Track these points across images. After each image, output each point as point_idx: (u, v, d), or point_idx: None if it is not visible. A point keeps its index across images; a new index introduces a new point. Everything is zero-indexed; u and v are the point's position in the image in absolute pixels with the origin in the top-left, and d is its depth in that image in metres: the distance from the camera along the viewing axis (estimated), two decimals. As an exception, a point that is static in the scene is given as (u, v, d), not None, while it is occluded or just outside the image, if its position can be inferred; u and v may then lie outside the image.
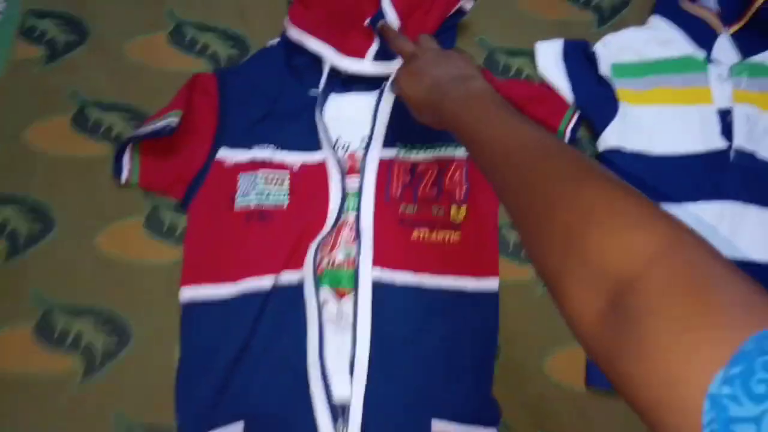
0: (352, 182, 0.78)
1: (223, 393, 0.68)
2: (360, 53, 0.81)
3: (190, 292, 0.72)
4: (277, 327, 0.71)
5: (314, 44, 0.81)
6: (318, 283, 0.73)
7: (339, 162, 0.78)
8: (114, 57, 0.83)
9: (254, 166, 0.77)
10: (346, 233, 0.76)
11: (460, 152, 0.80)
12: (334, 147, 0.79)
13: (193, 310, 0.72)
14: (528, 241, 0.44)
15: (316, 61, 0.82)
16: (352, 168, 0.79)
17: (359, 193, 0.77)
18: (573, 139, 0.82)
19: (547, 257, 0.41)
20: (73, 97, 0.81)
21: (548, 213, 0.42)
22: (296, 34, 0.82)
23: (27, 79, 0.81)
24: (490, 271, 0.76)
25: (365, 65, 0.81)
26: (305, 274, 0.72)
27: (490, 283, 0.75)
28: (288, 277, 0.73)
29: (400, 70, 0.68)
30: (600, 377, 0.74)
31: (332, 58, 0.81)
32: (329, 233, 0.75)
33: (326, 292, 0.74)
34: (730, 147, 0.82)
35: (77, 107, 0.80)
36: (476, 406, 0.71)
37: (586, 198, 0.40)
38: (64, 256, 0.74)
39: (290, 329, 0.71)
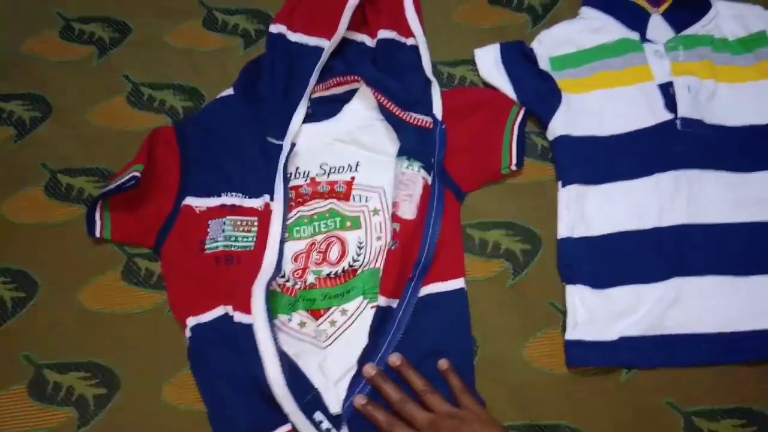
0: (318, 206, 0.82)
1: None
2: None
3: (194, 321, 0.75)
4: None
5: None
6: (272, 317, 0.72)
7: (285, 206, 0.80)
8: (78, 126, 0.88)
9: (223, 212, 0.80)
10: (314, 255, 0.79)
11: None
12: (289, 179, 0.82)
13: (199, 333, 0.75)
14: None
15: (277, 109, 0.85)
16: (313, 194, 0.83)
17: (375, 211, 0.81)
18: (521, 134, 0.85)
19: None
20: (43, 168, 0.85)
21: None
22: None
23: (-1, 158, 0.86)
24: (456, 273, 0.78)
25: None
26: (255, 315, 0.72)
27: (455, 284, 0.77)
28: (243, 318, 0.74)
29: None
30: (580, 357, 0.75)
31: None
32: (274, 276, 0.76)
33: (302, 314, 0.76)
34: (676, 118, 0.84)
35: (48, 177, 0.85)
36: (461, 404, 0.72)
37: None
38: (49, 316, 0.77)
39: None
